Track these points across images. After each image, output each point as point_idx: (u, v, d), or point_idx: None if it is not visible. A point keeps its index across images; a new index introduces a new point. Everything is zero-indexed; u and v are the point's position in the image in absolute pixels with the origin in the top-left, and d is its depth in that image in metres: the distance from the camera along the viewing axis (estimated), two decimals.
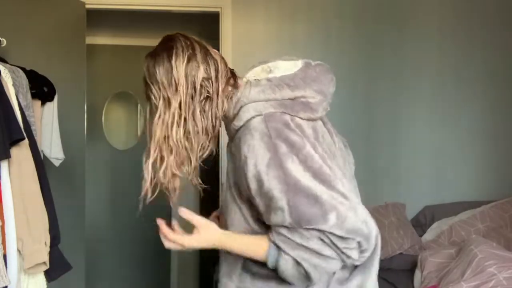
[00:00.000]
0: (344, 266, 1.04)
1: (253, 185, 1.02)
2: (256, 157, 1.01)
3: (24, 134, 1.62)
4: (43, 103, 2.28)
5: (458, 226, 2.90)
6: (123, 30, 4.26)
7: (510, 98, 3.30)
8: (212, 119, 1.10)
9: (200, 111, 1.08)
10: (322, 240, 0.96)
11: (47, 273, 1.70)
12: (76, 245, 2.74)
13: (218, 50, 3.74)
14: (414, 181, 3.25)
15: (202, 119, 1.09)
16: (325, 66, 1.18)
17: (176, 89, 1.07)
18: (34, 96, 2.11)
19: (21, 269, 1.61)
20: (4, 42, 1.91)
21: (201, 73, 1.08)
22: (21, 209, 1.60)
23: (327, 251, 0.97)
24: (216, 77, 1.10)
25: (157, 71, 1.10)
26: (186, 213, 1.08)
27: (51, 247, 1.68)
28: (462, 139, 3.28)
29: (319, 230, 0.95)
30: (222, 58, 1.16)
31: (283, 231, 0.99)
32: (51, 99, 2.31)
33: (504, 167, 3.28)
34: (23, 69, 2.01)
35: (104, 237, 4.35)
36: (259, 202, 1.03)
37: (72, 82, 2.79)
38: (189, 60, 1.08)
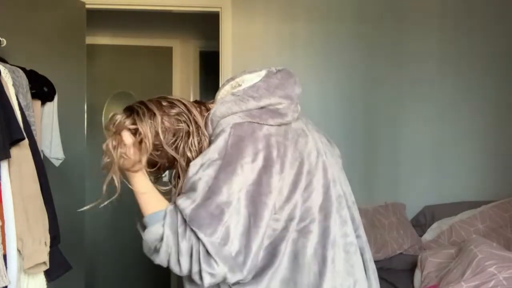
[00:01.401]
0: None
1: (191, 171, 1.07)
2: (207, 152, 1.07)
3: (24, 134, 1.62)
4: (43, 103, 2.28)
5: (458, 226, 2.90)
6: (123, 30, 4.26)
7: (510, 98, 3.30)
8: (196, 150, 1.15)
9: (183, 148, 1.15)
10: (191, 249, 1.00)
11: (47, 273, 1.70)
12: (76, 245, 2.74)
13: (218, 50, 3.71)
14: (414, 181, 3.25)
15: (190, 154, 1.14)
16: (286, 71, 1.21)
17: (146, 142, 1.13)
18: (34, 96, 2.11)
19: (21, 269, 1.61)
20: (4, 42, 1.91)
21: (163, 119, 1.14)
22: (21, 209, 1.60)
23: (185, 260, 1.01)
24: (186, 107, 1.16)
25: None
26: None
27: (51, 247, 1.68)
28: (462, 139, 3.28)
29: (198, 238, 0.99)
30: (182, 98, 1.21)
31: (179, 216, 1.03)
32: (51, 99, 2.31)
33: (504, 167, 3.28)
34: (23, 69, 2.01)
35: (104, 237, 4.34)
36: (186, 183, 1.08)
37: (72, 82, 2.79)
38: (146, 115, 1.14)
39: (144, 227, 1.10)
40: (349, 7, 3.27)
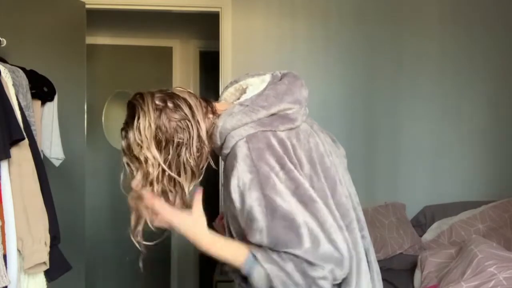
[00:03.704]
0: None
1: (237, 204, 1.05)
2: (239, 178, 1.04)
3: (24, 134, 1.62)
4: (43, 103, 2.28)
5: (458, 226, 2.90)
6: (123, 30, 4.26)
7: (511, 98, 3.30)
8: (194, 158, 1.12)
9: (183, 155, 1.11)
10: (295, 266, 0.99)
11: (47, 273, 1.70)
12: (76, 245, 2.74)
13: (218, 50, 3.69)
14: (414, 181, 3.25)
15: (187, 161, 1.12)
16: (292, 74, 1.20)
17: (148, 145, 1.09)
18: (34, 96, 2.11)
19: (21, 269, 1.61)
20: (4, 42, 1.92)
21: (164, 122, 1.10)
22: (21, 209, 1.60)
23: (299, 279, 1.00)
24: (191, 111, 1.13)
25: (130, 137, 1.11)
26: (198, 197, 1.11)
27: (51, 247, 1.68)
28: (462, 139, 3.28)
29: (293, 255, 0.99)
30: (191, 93, 1.18)
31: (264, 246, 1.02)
32: (51, 99, 2.31)
33: (504, 167, 3.28)
34: (23, 69, 2.01)
35: (104, 237, 4.34)
36: (241, 220, 1.06)
37: (72, 82, 2.79)
38: (159, 112, 1.11)
39: (245, 276, 1.07)
40: (349, 6, 3.27)
